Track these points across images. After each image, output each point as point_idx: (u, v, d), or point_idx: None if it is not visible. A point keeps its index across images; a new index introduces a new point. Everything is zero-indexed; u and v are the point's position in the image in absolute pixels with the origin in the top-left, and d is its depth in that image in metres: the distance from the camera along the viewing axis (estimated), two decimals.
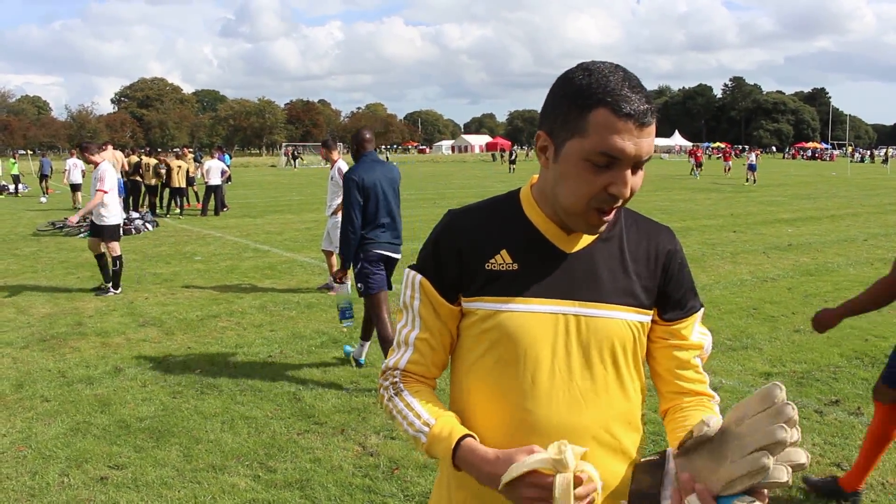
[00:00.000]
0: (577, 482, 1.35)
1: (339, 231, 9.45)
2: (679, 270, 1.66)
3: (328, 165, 10.14)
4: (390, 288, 6.17)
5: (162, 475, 4.50)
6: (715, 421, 1.31)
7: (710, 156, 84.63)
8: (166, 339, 7.55)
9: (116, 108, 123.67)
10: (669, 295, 1.64)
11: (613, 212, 1.49)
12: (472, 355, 1.59)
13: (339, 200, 9.53)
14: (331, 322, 8.23)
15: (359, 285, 6.01)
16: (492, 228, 1.60)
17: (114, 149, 19.78)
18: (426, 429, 1.53)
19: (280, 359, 6.88)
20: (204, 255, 13.23)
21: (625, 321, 1.56)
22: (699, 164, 44.50)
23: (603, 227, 1.52)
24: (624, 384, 1.59)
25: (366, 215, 5.96)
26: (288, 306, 9.07)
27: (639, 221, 1.68)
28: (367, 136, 6.27)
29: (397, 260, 6.20)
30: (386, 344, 5.89)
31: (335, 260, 9.88)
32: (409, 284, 1.66)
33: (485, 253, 1.57)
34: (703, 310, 1.71)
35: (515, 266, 1.56)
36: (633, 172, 1.46)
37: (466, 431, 1.51)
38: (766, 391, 1.24)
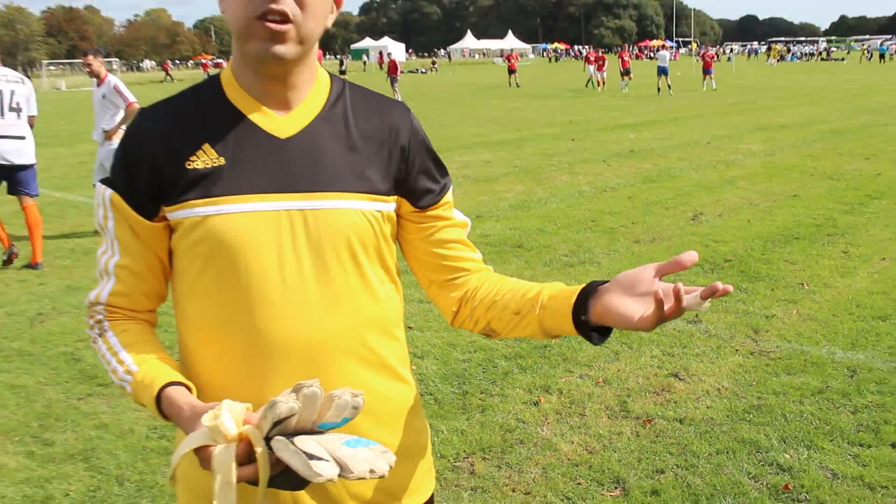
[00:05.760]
0: (245, 449, 1.27)
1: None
2: (421, 149, 1.63)
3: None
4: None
5: None
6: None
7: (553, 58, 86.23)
8: None
9: None
10: (416, 179, 1.61)
11: (288, 26, 1.42)
12: (189, 275, 1.51)
13: (116, 122, 9.26)
14: None
15: None
16: (190, 120, 1.51)
17: None
18: (129, 378, 1.48)
19: (53, 315, 6.61)
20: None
21: (359, 211, 1.51)
22: (626, 72, 36.08)
23: (282, 47, 1.43)
24: (370, 285, 1.55)
25: None
26: (60, 254, 8.68)
27: (368, 97, 1.62)
28: None
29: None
30: None
31: None
32: (100, 202, 1.56)
33: (184, 151, 1.48)
34: (451, 183, 1.72)
35: (221, 161, 1.47)
36: None
37: (172, 378, 1.45)
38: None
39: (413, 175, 1.60)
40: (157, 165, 1.48)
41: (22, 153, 8.13)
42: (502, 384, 4.97)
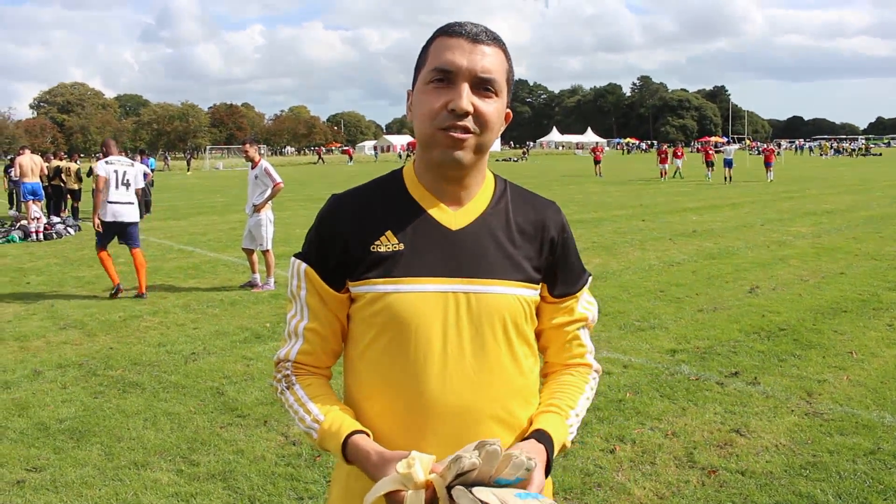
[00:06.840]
0: (431, 495, 1.27)
1: (261, 229, 9.50)
2: (566, 245, 1.62)
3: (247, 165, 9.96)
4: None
5: (82, 475, 4.33)
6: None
7: (625, 151, 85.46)
8: (88, 341, 7.28)
9: (36, 114, 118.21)
10: (558, 271, 1.60)
11: (469, 136, 1.43)
12: (364, 340, 1.51)
13: (265, 198, 9.56)
14: (254, 318, 8.08)
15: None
16: (375, 210, 1.53)
17: (31, 153, 18.92)
18: (316, 426, 1.48)
19: (203, 355, 6.70)
20: (127, 258, 12.79)
21: (514, 296, 1.50)
22: (710, 164, 34.83)
23: (461, 153, 1.44)
24: (518, 360, 1.53)
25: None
26: (211, 304, 8.86)
27: (525, 196, 1.62)
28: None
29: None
30: None
31: (256, 258, 9.84)
32: (294, 274, 1.58)
33: (369, 236, 1.50)
34: (590, 279, 1.69)
35: (401, 246, 1.48)
36: (480, 96, 1.44)
37: (356, 427, 1.45)
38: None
39: (558, 266, 1.60)
40: (346, 246, 1.50)
41: (130, 214, 9.46)
42: (582, 433, 4.76)
